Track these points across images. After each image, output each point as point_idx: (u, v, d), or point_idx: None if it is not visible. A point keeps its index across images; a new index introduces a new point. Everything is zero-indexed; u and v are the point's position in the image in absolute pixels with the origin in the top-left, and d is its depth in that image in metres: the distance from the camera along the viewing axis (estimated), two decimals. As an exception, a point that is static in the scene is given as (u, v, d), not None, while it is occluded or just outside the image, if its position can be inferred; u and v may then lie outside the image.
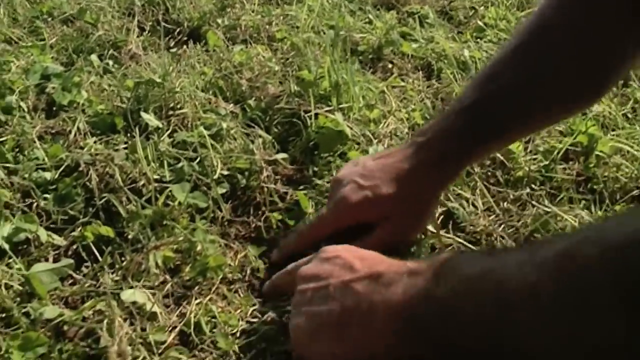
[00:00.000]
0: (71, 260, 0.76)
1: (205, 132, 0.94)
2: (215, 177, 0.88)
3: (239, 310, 0.72)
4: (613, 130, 1.07)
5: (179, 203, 0.83)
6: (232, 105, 1.06)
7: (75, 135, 0.98)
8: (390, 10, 1.51)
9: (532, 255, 0.49)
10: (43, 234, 0.80)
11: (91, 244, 0.79)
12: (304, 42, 1.22)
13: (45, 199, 0.86)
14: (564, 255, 0.47)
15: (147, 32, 1.37)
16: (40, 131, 0.99)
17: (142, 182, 0.87)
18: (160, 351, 0.67)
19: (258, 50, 1.23)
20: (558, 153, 0.98)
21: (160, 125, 0.98)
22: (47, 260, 0.78)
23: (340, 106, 1.02)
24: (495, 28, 1.41)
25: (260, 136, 0.97)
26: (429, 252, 0.81)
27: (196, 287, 0.74)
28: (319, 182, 0.90)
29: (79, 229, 0.82)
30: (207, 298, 0.73)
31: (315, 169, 0.93)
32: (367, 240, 0.75)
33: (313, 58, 1.13)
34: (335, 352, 0.61)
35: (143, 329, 0.68)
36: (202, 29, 1.36)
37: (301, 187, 0.90)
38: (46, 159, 0.92)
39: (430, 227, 0.83)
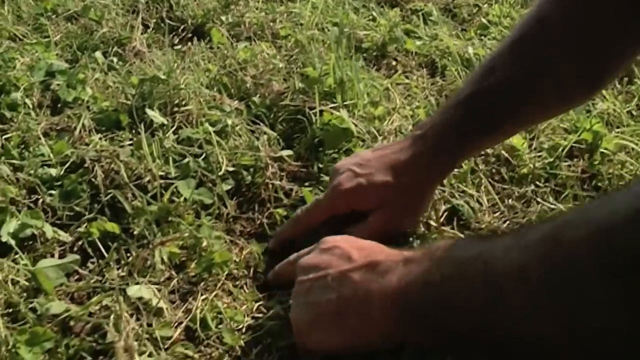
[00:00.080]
0: (77, 256, 0.77)
1: (211, 129, 0.94)
2: (221, 173, 0.88)
3: (244, 306, 0.73)
4: (618, 127, 1.07)
5: (185, 199, 0.83)
6: (236, 102, 1.06)
7: (80, 131, 0.98)
8: (394, 7, 1.51)
9: (519, 239, 0.50)
10: (49, 230, 0.80)
11: (97, 240, 0.79)
12: (308, 39, 1.22)
13: (50, 195, 0.86)
14: (550, 238, 0.47)
15: (151, 29, 1.37)
16: (45, 128, 1.00)
17: (147, 179, 0.87)
18: (166, 346, 0.67)
19: (262, 48, 1.23)
20: (563, 150, 0.98)
21: (165, 122, 0.99)
22: (52, 256, 0.79)
23: (345, 103, 1.02)
24: (499, 25, 1.41)
25: (265, 133, 0.98)
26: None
27: (202, 283, 0.74)
28: (324, 178, 0.90)
29: (85, 225, 0.82)
30: (213, 294, 0.73)
31: (320, 165, 0.93)
32: (361, 228, 0.76)
33: (317, 55, 1.13)
34: (334, 341, 0.62)
35: (149, 325, 0.68)
36: (206, 26, 1.36)
37: (306, 183, 0.90)
38: (51, 155, 0.93)
39: (432, 222, 0.83)
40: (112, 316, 0.67)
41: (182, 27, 1.37)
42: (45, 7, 1.43)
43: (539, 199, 0.90)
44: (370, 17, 1.44)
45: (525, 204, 0.90)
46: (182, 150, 0.92)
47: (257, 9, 1.42)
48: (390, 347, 0.63)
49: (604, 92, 1.11)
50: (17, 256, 0.76)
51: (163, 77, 1.04)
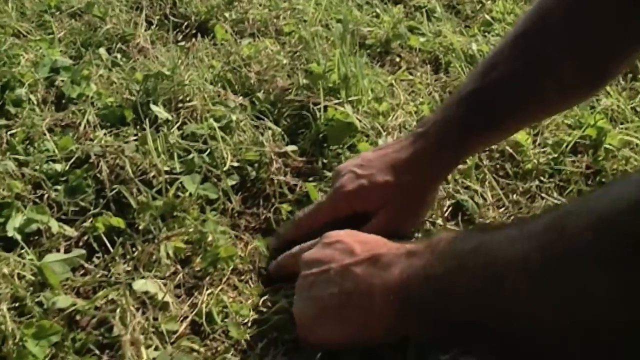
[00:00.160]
0: (83, 251, 0.77)
1: (215, 124, 0.94)
2: (225, 168, 0.88)
3: (249, 300, 0.73)
4: (622, 123, 1.07)
5: (190, 194, 0.84)
6: (241, 98, 1.06)
7: (85, 127, 0.98)
8: (397, 4, 1.51)
9: (521, 229, 0.50)
10: (54, 225, 0.81)
11: (102, 235, 0.79)
12: (311, 35, 1.22)
13: (56, 190, 0.86)
14: (552, 229, 0.47)
15: (154, 26, 1.37)
16: (50, 123, 1.00)
17: (152, 174, 0.87)
18: (172, 340, 0.67)
19: (266, 44, 1.23)
20: (567, 146, 0.98)
21: (170, 118, 0.99)
22: (58, 250, 0.79)
23: (349, 99, 1.02)
24: (503, 22, 1.41)
25: (269, 128, 0.98)
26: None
27: (207, 278, 0.75)
28: (329, 174, 0.90)
29: (90, 220, 0.82)
30: (218, 288, 0.73)
31: (325, 161, 0.93)
32: (365, 229, 0.75)
33: (321, 51, 1.13)
34: (337, 335, 0.62)
35: (155, 319, 0.69)
36: (209, 23, 1.36)
37: (310, 179, 0.91)
38: (56, 151, 0.93)
39: (438, 221, 0.83)
40: (118, 310, 0.67)
41: (185, 23, 1.37)
42: (49, 3, 1.43)
43: (543, 194, 0.90)
44: (374, 13, 1.44)
45: (530, 199, 0.90)
46: (186, 145, 0.92)
47: (260, 5, 1.42)
48: (393, 342, 0.63)
49: (608, 88, 1.11)
50: (23, 251, 0.77)
51: (167, 73, 1.04)
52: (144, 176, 0.87)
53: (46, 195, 0.85)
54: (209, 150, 0.91)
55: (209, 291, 0.73)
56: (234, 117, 0.96)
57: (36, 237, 0.80)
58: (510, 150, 0.96)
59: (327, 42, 1.22)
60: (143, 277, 0.73)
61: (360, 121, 0.97)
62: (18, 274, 0.73)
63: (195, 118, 1.00)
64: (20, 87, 1.07)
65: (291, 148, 0.93)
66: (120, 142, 0.92)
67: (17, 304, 0.70)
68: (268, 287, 0.75)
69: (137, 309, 0.69)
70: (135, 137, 0.95)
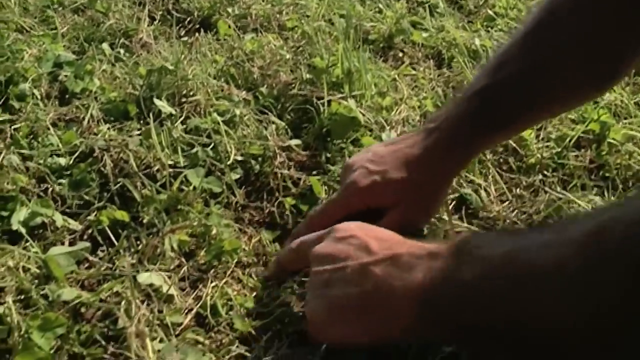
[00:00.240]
0: (88, 244, 0.77)
1: (219, 119, 0.94)
2: (229, 162, 0.89)
3: (254, 293, 0.73)
4: (625, 118, 1.07)
5: (194, 188, 0.84)
6: (244, 92, 1.06)
7: (88, 122, 0.98)
8: (400, -1, 1.51)
9: (557, 235, 0.49)
10: (59, 219, 0.81)
11: (107, 228, 0.79)
12: (314, 30, 1.22)
13: (60, 184, 0.86)
14: (592, 235, 0.46)
15: (157, 21, 1.37)
16: (53, 118, 1.00)
17: (156, 167, 0.87)
18: (177, 333, 0.67)
19: (269, 39, 1.23)
20: (570, 140, 0.98)
21: (174, 112, 0.99)
22: (63, 244, 0.79)
23: (353, 93, 1.02)
24: (506, 17, 1.41)
25: (273, 122, 0.98)
26: (441, 239, 0.81)
27: (212, 271, 0.75)
28: (332, 168, 0.90)
29: (94, 213, 0.82)
30: (223, 281, 0.73)
31: (328, 155, 0.93)
32: (377, 225, 0.73)
33: (324, 46, 1.13)
34: (353, 335, 0.61)
35: (160, 311, 0.69)
36: (212, 18, 1.36)
37: (314, 172, 0.91)
38: (60, 145, 0.93)
39: (444, 216, 0.83)
40: (123, 302, 0.68)
41: (188, 19, 1.37)
42: (52, -1, 1.44)
43: (546, 189, 0.90)
44: (377, 9, 1.44)
45: (533, 194, 0.90)
46: (190, 139, 0.92)
47: (263, 0, 1.43)
48: (410, 342, 0.63)
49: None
50: (27, 244, 0.77)
51: (171, 67, 1.04)
52: (148, 170, 0.87)
53: (50, 189, 0.86)
54: (212, 144, 0.91)
55: (213, 284, 0.73)
56: (237, 112, 0.97)
57: (41, 231, 0.80)
58: (514, 145, 0.96)
59: (330, 37, 1.22)
60: (148, 270, 0.73)
61: (363, 115, 0.97)
62: (23, 266, 0.73)
63: (199, 112, 1.00)
64: (23, 81, 1.07)
65: (295, 142, 0.93)
66: (124, 136, 0.92)
67: (22, 297, 0.70)
68: (272, 280, 0.76)
69: (142, 302, 0.69)
70: (138, 132, 0.95)
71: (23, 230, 0.78)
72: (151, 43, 1.26)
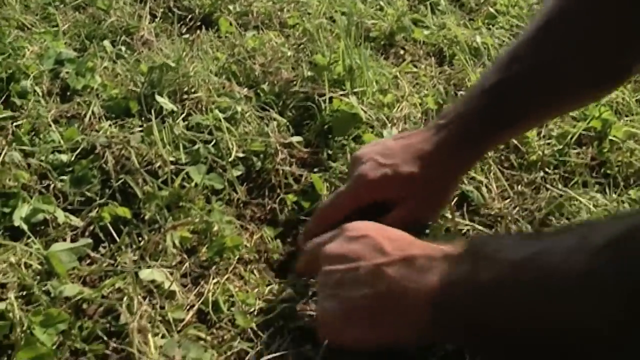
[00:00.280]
0: (89, 240, 0.77)
1: (220, 115, 0.94)
2: (231, 159, 0.89)
3: (256, 290, 0.73)
4: (626, 116, 1.07)
5: (195, 185, 0.84)
6: (245, 89, 1.06)
7: (90, 119, 0.99)
8: (401, -3, 1.51)
9: (581, 241, 0.48)
10: (60, 215, 0.81)
11: (108, 225, 0.79)
12: (316, 28, 1.22)
13: (62, 180, 0.87)
14: (621, 240, 0.45)
15: (158, 18, 1.37)
16: (55, 115, 1.00)
17: (158, 164, 0.87)
18: (179, 329, 0.67)
19: (270, 36, 1.23)
20: (572, 138, 0.98)
21: (175, 109, 0.99)
22: (64, 240, 0.79)
23: (354, 90, 1.02)
24: (507, 15, 1.41)
25: (274, 119, 0.98)
26: (443, 235, 0.81)
27: (213, 267, 0.75)
28: (334, 164, 0.90)
29: (96, 210, 0.82)
30: (225, 278, 0.73)
31: (330, 152, 0.93)
32: (384, 220, 0.73)
33: (326, 44, 1.13)
34: (364, 337, 0.60)
35: (162, 307, 0.69)
36: (213, 16, 1.36)
37: (316, 169, 0.91)
38: (62, 141, 0.93)
39: (447, 213, 0.83)
40: (125, 298, 0.68)
41: (189, 16, 1.37)
42: (53, -4, 1.43)
43: (548, 186, 0.90)
44: (378, 6, 1.44)
45: (535, 191, 0.90)
46: (192, 136, 0.92)
47: (264, -2, 1.43)
48: (422, 345, 0.62)
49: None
50: (29, 240, 0.77)
51: (172, 64, 1.04)
52: (149, 167, 0.87)
53: (52, 186, 0.86)
54: (214, 141, 0.91)
55: (215, 280, 0.73)
56: (239, 108, 0.97)
57: (42, 227, 0.80)
58: (515, 142, 0.96)
59: (331, 34, 1.22)
60: (149, 266, 0.73)
61: (365, 112, 0.97)
62: (25, 263, 0.73)
63: (201, 109, 1.00)
64: (25, 78, 1.07)
65: (296, 139, 0.93)
66: (125, 133, 0.92)
67: (24, 293, 0.70)
68: (274, 277, 0.76)
69: (144, 298, 0.69)
70: (140, 129, 0.95)
71: (25, 227, 0.79)
72: (152, 40, 1.26)
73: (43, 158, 0.89)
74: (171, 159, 0.88)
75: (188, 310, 0.70)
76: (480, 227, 0.82)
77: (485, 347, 0.56)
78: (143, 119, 0.99)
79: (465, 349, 0.62)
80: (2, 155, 0.87)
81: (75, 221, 0.81)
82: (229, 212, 0.84)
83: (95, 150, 0.90)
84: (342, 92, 1.00)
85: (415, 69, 1.19)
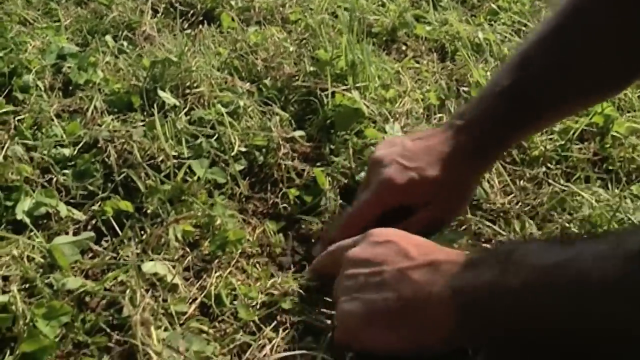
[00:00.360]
0: (92, 233, 0.77)
1: (223, 110, 0.94)
2: (233, 153, 0.89)
3: (258, 283, 0.73)
4: (629, 112, 1.07)
5: (198, 178, 0.84)
6: (248, 84, 1.06)
7: (92, 113, 0.98)
8: (403, -8, 1.51)
9: (614, 247, 0.48)
10: (63, 209, 0.81)
11: (111, 219, 0.79)
12: (318, 23, 1.22)
13: (64, 174, 0.87)
14: None
15: (160, 13, 1.37)
16: (57, 109, 1.00)
17: (160, 158, 0.87)
18: (181, 322, 0.67)
19: (272, 32, 1.23)
20: (574, 133, 0.98)
21: (177, 104, 0.99)
22: (67, 234, 0.79)
23: (356, 85, 1.02)
24: (509, 11, 1.41)
25: (277, 114, 0.98)
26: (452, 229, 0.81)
27: (216, 261, 0.75)
28: (336, 159, 0.90)
29: (99, 203, 0.82)
30: (227, 271, 0.73)
31: (332, 146, 0.93)
32: (408, 223, 0.73)
33: (328, 39, 1.13)
34: (386, 342, 0.59)
35: (164, 300, 0.69)
36: (215, 11, 1.36)
37: (318, 164, 0.91)
38: (64, 136, 0.93)
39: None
40: (127, 291, 0.68)
41: (191, 11, 1.37)
42: (55, -9, 1.43)
43: (550, 181, 0.90)
44: (380, 2, 1.44)
45: (537, 186, 0.90)
46: (194, 131, 0.92)
47: (266, -7, 1.42)
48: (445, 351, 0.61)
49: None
50: (32, 234, 0.77)
51: (174, 59, 1.04)
52: (152, 161, 0.87)
53: (55, 180, 0.86)
54: (216, 135, 0.91)
55: (217, 274, 0.73)
56: (241, 103, 0.97)
57: (45, 221, 0.80)
58: (518, 137, 0.96)
59: (333, 30, 1.22)
60: (152, 260, 0.73)
61: (367, 107, 0.97)
62: (27, 256, 0.73)
63: (203, 104, 1.00)
64: (27, 73, 1.07)
65: (299, 133, 0.93)
66: (128, 127, 0.92)
67: (27, 285, 0.70)
68: (276, 271, 0.76)
69: (147, 291, 0.69)
70: (142, 123, 0.95)
71: (27, 220, 0.79)
72: (154, 36, 1.26)
73: (45, 152, 0.89)
74: (173, 153, 0.88)
75: (190, 303, 0.70)
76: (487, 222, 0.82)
77: (512, 351, 0.55)
78: (145, 113, 0.99)
79: (490, 352, 0.60)
80: (4, 149, 0.87)
81: (78, 215, 0.81)
82: (232, 206, 0.84)
83: (97, 144, 0.90)
84: (344, 87, 1.00)
85: (417, 65, 1.19)
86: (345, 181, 0.88)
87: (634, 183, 0.91)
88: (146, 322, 0.63)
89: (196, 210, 0.79)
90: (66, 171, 0.87)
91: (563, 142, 0.97)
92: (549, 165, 0.93)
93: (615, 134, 0.99)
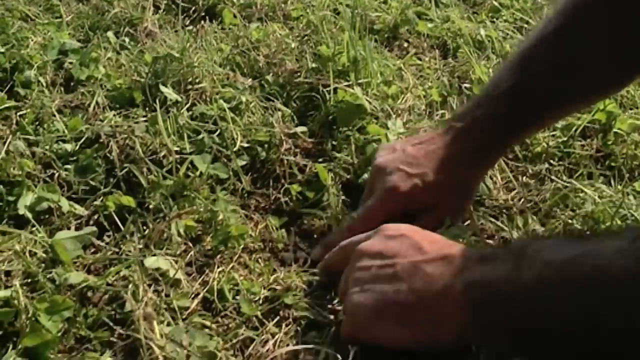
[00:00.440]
0: (94, 228, 0.77)
1: (225, 105, 0.94)
2: (235, 149, 0.88)
3: (261, 278, 0.73)
4: (631, 109, 1.07)
5: (200, 174, 0.84)
6: (250, 80, 1.06)
7: (94, 108, 0.98)
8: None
9: (631, 242, 0.48)
10: (65, 204, 0.81)
11: (113, 214, 0.79)
12: (320, 20, 1.21)
13: (66, 169, 0.87)
14: None
15: (162, 10, 1.37)
16: (59, 105, 1.00)
17: (162, 153, 0.87)
18: (184, 317, 0.67)
19: (274, 28, 1.23)
20: (576, 130, 0.98)
21: (179, 99, 0.99)
22: (69, 229, 0.79)
23: (359, 82, 1.01)
24: (511, 8, 1.41)
25: (279, 110, 0.98)
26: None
27: (218, 256, 0.75)
28: (338, 155, 0.90)
29: (101, 198, 0.82)
30: (230, 266, 0.73)
31: (334, 142, 0.93)
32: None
33: (330, 36, 1.13)
34: (396, 335, 0.59)
35: (167, 295, 0.69)
36: (217, 8, 1.36)
37: (320, 159, 0.90)
38: (66, 131, 0.93)
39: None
40: (130, 286, 0.68)
41: (193, 8, 1.37)
42: (57, -13, 1.43)
43: (552, 177, 0.90)
44: (382, -1, 1.43)
45: (539, 182, 0.90)
46: (196, 126, 0.92)
47: (268, -10, 1.42)
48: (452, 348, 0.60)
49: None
50: (34, 229, 0.77)
51: (176, 55, 1.04)
52: (154, 156, 0.87)
53: (56, 175, 0.86)
54: (218, 131, 0.91)
55: (220, 269, 0.73)
56: (243, 99, 0.96)
57: (47, 216, 0.80)
58: (520, 134, 0.96)
59: (335, 27, 1.22)
60: (154, 255, 0.72)
61: (369, 103, 0.96)
62: (30, 251, 0.73)
63: (205, 100, 0.99)
64: (29, 69, 1.07)
65: (301, 129, 0.93)
66: (130, 123, 0.92)
67: (29, 280, 0.70)
68: (279, 266, 0.76)
69: (149, 286, 0.69)
70: (144, 118, 0.95)
71: (29, 215, 0.78)
72: (156, 32, 1.26)
73: (47, 147, 0.89)
74: (175, 148, 0.88)
75: (193, 298, 0.70)
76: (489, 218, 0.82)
77: (525, 346, 0.55)
78: (147, 109, 0.99)
79: (503, 350, 0.60)
80: (6, 144, 0.87)
81: (80, 210, 0.81)
82: (234, 201, 0.83)
83: (99, 140, 0.90)
84: (346, 83, 0.99)
85: (419, 62, 1.19)
86: (348, 177, 0.88)
87: (637, 180, 0.91)
88: (149, 316, 0.63)
89: (198, 206, 0.79)
90: (68, 166, 0.87)
91: (565, 139, 0.96)
92: (551, 161, 0.93)
93: (617, 130, 0.99)
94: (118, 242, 0.77)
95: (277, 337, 0.65)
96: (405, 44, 1.27)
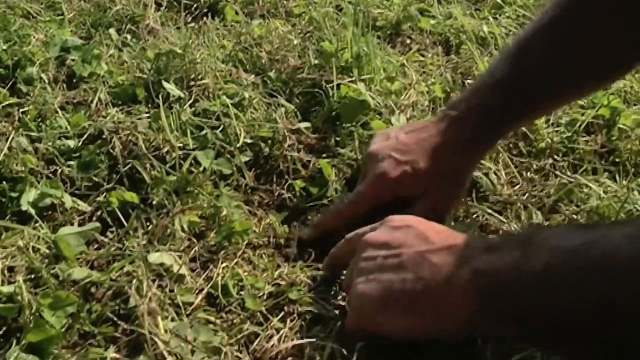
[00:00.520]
0: (97, 224, 0.77)
1: (228, 101, 0.94)
2: (239, 145, 0.88)
3: (265, 274, 0.72)
4: (635, 104, 1.06)
5: (204, 169, 0.83)
6: (252, 76, 1.06)
7: (96, 105, 0.98)
8: (407, -14, 1.50)
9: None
10: (68, 200, 0.80)
11: (116, 209, 0.79)
12: (322, 16, 1.21)
13: (69, 166, 0.86)
14: None
15: (164, 7, 1.37)
16: (61, 101, 1.00)
17: (165, 149, 0.87)
18: (188, 312, 0.67)
19: (277, 25, 1.23)
20: (580, 125, 0.98)
21: (182, 95, 0.98)
22: (72, 225, 0.79)
23: (362, 77, 1.01)
24: (514, 4, 1.40)
25: (282, 106, 0.97)
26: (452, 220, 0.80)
27: (222, 252, 0.74)
28: (342, 151, 0.90)
29: (104, 194, 0.82)
30: (234, 262, 0.73)
31: (338, 138, 0.93)
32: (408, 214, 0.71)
33: (333, 32, 1.13)
34: (402, 325, 0.58)
35: (171, 290, 0.68)
36: (219, 5, 1.36)
37: (323, 155, 0.90)
38: (69, 127, 0.93)
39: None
40: (134, 281, 0.67)
41: (195, 5, 1.36)
42: (58, -15, 1.43)
43: (557, 172, 0.90)
44: (384, -4, 1.43)
45: (544, 177, 0.90)
46: (199, 122, 0.92)
47: (270, -13, 1.42)
48: (457, 339, 0.61)
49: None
50: (37, 225, 0.77)
51: (179, 51, 1.04)
52: (157, 152, 0.87)
53: (59, 171, 0.85)
54: (222, 127, 0.91)
55: (224, 264, 0.73)
56: (246, 95, 0.96)
57: (50, 212, 0.80)
58: (524, 129, 0.96)
59: (337, 23, 1.22)
60: (158, 251, 0.72)
61: (373, 99, 0.96)
62: (33, 246, 0.73)
63: (208, 96, 0.99)
64: (31, 65, 1.07)
65: (304, 125, 0.93)
66: (133, 119, 0.92)
67: (32, 276, 0.70)
68: (282, 261, 0.75)
69: (153, 281, 0.69)
70: (147, 115, 0.95)
71: (32, 211, 0.78)
72: (158, 29, 1.26)
73: (50, 143, 0.89)
74: (179, 144, 0.88)
75: (197, 293, 0.69)
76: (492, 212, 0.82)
77: (532, 334, 0.54)
78: (150, 105, 0.98)
79: (509, 338, 0.60)
80: (9, 141, 0.87)
81: (83, 206, 0.81)
82: (237, 197, 0.83)
83: (102, 136, 0.89)
84: (349, 79, 0.99)
85: (422, 58, 1.18)
86: (351, 172, 0.87)
87: (641, 175, 0.91)
88: (153, 312, 0.63)
89: (202, 201, 0.79)
90: (71, 162, 0.87)
91: (570, 134, 0.96)
92: (555, 157, 0.93)
93: (622, 126, 0.98)
94: (121, 237, 0.76)
95: (281, 332, 0.65)
96: (408, 41, 1.27)
